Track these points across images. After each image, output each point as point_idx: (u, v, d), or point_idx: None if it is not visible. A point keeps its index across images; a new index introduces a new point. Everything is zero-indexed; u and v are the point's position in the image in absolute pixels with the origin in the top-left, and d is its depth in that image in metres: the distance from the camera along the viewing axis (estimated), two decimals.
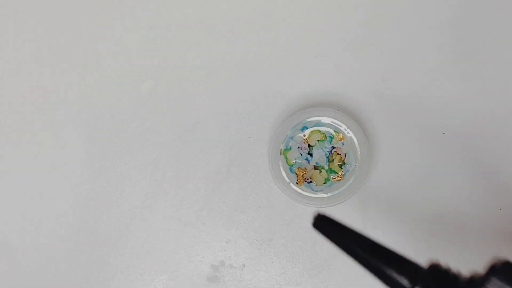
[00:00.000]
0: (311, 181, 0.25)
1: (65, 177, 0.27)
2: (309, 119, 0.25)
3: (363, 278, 0.26)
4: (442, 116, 0.26)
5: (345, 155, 0.25)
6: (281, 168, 0.25)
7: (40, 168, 0.27)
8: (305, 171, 0.25)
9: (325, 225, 0.17)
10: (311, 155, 0.26)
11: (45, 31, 0.28)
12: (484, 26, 0.26)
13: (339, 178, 0.25)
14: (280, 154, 0.25)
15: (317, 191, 0.25)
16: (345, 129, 0.25)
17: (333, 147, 0.25)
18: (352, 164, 0.25)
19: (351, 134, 0.25)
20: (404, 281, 0.15)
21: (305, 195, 0.25)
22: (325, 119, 0.25)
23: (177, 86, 0.27)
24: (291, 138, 0.25)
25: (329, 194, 0.25)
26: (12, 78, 0.28)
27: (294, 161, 0.25)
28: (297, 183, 0.25)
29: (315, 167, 0.25)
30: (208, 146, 0.27)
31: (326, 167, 0.25)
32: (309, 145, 0.26)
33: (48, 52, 0.28)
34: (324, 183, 0.25)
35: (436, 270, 0.15)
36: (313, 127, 0.25)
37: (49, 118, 0.28)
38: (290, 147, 0.26)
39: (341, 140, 0.25)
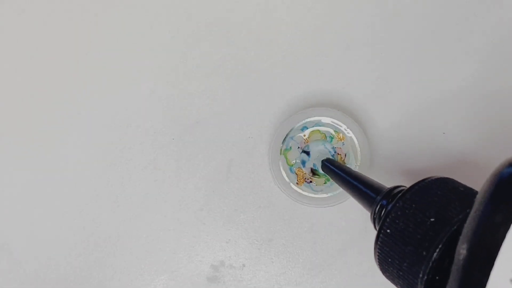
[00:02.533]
0: (311, 181, 0.25)
1: (65, 177, 0.27)
2: (309, 119, 0.25)
3: (363, 278, 0.26)
4: (442, 116, 0.26)
5: (345, 155, 0.25)
6: (281, 168, 0.25)
7: (40, 168, 0.27)
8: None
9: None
10: None
11: (44, 31, 0.28)
12: (485, 26, 0.26)
13: None
14: (280, 154, 0.25)
15: (317, 191, 0.25)
16: (345, 129, 0.25)
17: (333, 147, 0.25)
18: (352, 164, 0.25)
19: (351, 134, 0.25)
20: (370, 193, 0.20)
21: (305, 195, 0.25)
22: (325, 119, 0.25)
23: (177, 86, 0.27)
24: (291, 138, 0.25)
25: (329, 194, 0.25)
26: (12, 78, 0.28)
27: (294, 161, 0.25)
28: (297, 183, 0.25)
29: None
30: (208, 146, 0.27)
31: None
32: None
33: (47, 51, 0.28)
34: (324, 183, 0.25)
35: (393, 188, 0.19)
36: (313, 127, 0.25)
37: (48, 118, 0.28)
38: (290, 147, 0.26)
39: (341, 140, 0.25)
